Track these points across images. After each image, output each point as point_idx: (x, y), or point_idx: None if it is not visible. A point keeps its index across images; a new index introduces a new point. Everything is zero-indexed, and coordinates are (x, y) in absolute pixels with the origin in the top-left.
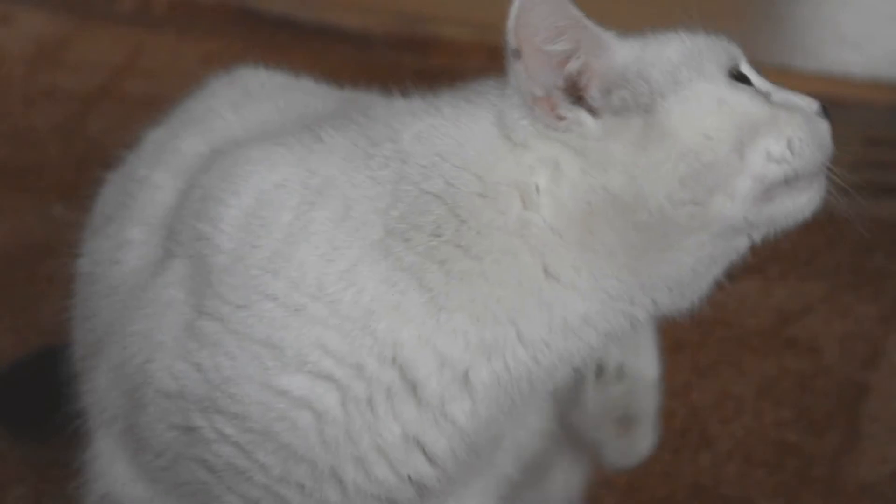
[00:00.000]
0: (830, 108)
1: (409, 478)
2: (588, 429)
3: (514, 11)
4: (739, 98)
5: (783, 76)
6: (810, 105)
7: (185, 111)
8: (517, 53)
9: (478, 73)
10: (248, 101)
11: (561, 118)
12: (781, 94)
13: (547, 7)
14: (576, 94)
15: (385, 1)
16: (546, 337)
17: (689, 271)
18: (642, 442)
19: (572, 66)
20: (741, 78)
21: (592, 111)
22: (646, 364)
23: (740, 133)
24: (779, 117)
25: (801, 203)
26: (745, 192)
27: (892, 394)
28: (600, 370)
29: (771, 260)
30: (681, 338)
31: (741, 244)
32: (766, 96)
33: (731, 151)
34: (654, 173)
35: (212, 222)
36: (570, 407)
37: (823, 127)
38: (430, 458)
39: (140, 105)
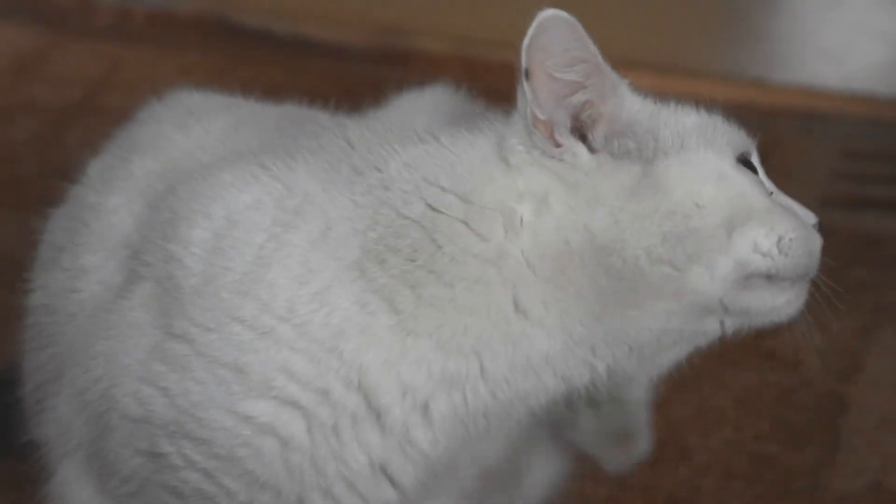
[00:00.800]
0: (808, 121)
1: None
2: (585, 446)
3: (531, 31)
4: (741, 180)
5: (761, 88)
6: (807, 216)
7: (127, 138)
8: (527, 73)
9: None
10: (193, 120)
11: (557, 144)
12: (783, 198)
13: (565, 34)
14: (577, 126)
15: (363, 14)
16: (507, 374)
17: (653, 339)
18: (639, 447)
19: (578, 97)
20: (748, 165)
21: (590, 148)
22: (636, 386)
23: (733, 212)
24: (775, 213)
25: (779, 303)
26: (724, 271)
27: (871, 406)
28: (592, 401)
29: None
30: None
31: (711, 329)
32: (768, 192)
33: (719, 226)
34: (639, 223)
35: (182, 244)
36: (564, 426)
37: (816, 239)
38: (397, 487)
39: (118, 118)
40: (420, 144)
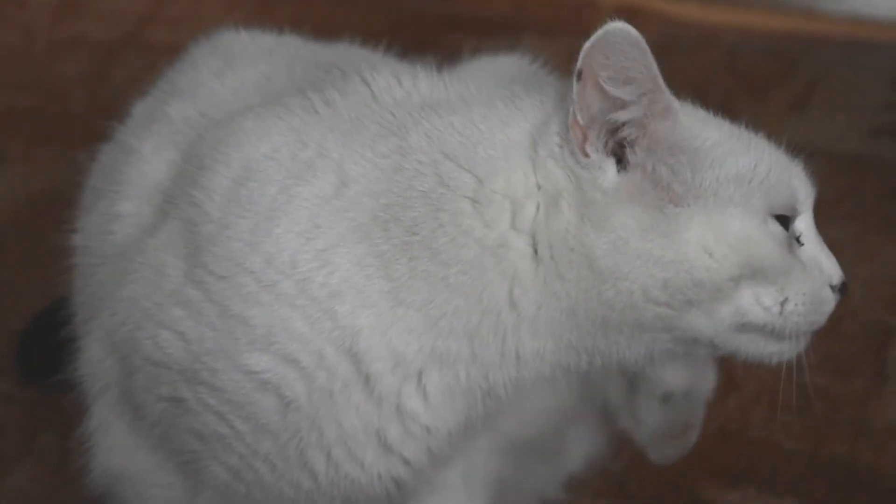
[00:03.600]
0: (857, 50)
1: (380, 476)
2: (640, 436)
3: (594, 37)
4: (764, 240)
5: (809, 17)
6: (832, 275)
7: (169, 82)
8: (579, 75)
9: (503, 20)
10: (231, 68)
11: (586, 154)
12: (815, 251)
13: (627, 51)
14: (615, 140)
15: None
16: (498, 361)
17: (642, 355)
18: (691, 438)
19: (623, 115)
20: (784, 220)
21: (622, 163)
22: (708, 378)
23: (744, 270)
24: (790, 274)
25: (769, 351)
26: (724, 317)
27: None
28: (667, 396)
29: None
30: None
31: (702, 353)
32: (795, 246)
33: (727, 280)
34: (641, 262)
35: (204, 190)
36: (618, 413)
37: (827, 305)
38: (397, 455)
39: (164, 54)
40: (446, 115)
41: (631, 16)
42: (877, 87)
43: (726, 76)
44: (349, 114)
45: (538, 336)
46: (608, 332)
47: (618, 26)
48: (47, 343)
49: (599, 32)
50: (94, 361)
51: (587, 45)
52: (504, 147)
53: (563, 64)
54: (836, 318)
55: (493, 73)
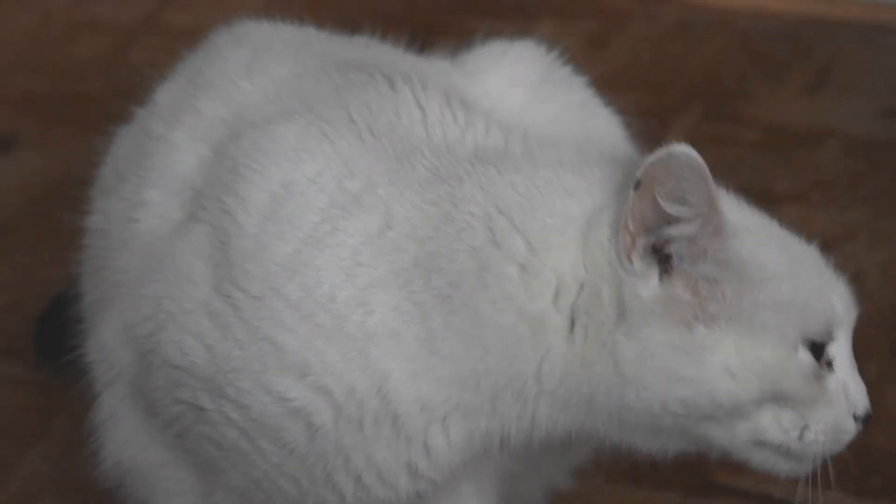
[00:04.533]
0: (872, 32)
1: (408, 494)
2: None
3: (658, 154)
4: (790, 371)
5: (825, 1)
6: (858, 405)
7: (196, 72)
8: (637, 184)
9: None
10: (259, 65)
11: (630, 261)
12: (846, 377)
13: (689, 174)
14: (661, 250)
15: None
16: (517, 424)
17: (653, 451)
18: None
19: (672, 231)
20: (817, 348)
21: (664, 272)
22: None
23: (766, 395)
24: (814, 404)
25: (780, 467)
26: (741, 432)
27: None
28: None
29: (813, 186)
30: None
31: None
32: (824, 370)
33: (749, 403)
34: (664, 377)
35: (239, 199)
36: None
37: (847, 435)
38: (427, 479)
39: (182, 37)
40: (507, 173)
41: (647, 0)
42: (892, 70)
43: (741, 59)
44: (396, 149)
45: (555, 408)
46: (623, 427)
47: (683, 150)
48: (64, 327)
49: (664, 151)
50: (107, 349)
51: (651, 158)
52: (562, 218)
53: (581, 49)
54: None
55: (509, 63)
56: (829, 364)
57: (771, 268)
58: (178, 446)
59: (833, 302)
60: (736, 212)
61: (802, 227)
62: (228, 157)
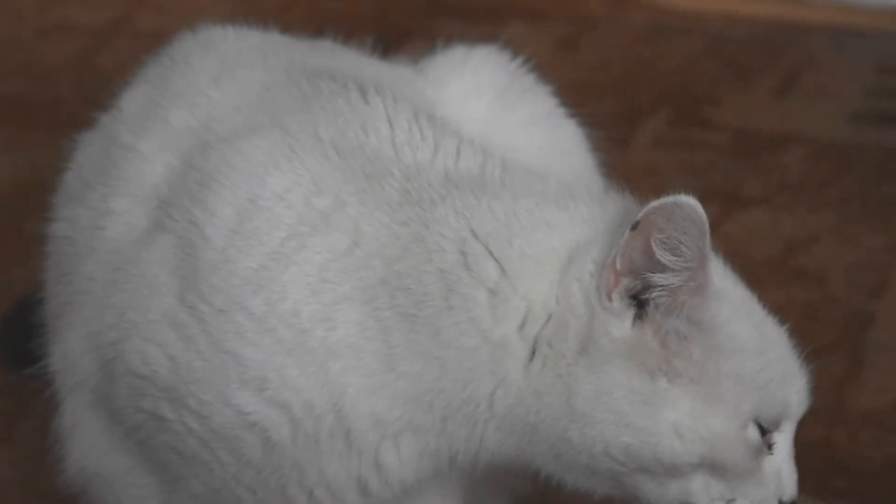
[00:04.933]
0: (842, 36)
1: None
2: None
3: (663, 202)
4: (735, 445)
5: (796, 4)
6: (787, 491)
7: (162, 79)
8: (634, 226)
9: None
10: (227, 73)
11: (610, 299)
12: (782, 463)
13: (688, 226)
14: (641, 294)
15: None
16: (464, 441)
17: (584, 488)
18: None
19: (658, 279)
20: (763, 428)
21: (638, 317)
22: None
23: (705, 462)
24: (746, 481)
25: None
26: (671, 491)
27: None
28: None
29: (779, 190)
30: None
31: None
32: (764, 452)
33: (688, 465)
34: (615, 419)
35: (206, 212)
36: None
37: None
38: (376, 497)
39: (152, 40)
40: (486, 199)
41: (618, 4)
42: (861, 74)
43: (711, 63)
44: (365, 169)
45: (501, 432)
46: (558, 461)
47: (689, 201)
48: (29, 331)
49: (669, 199)
50: (71, 356)
51: (655, 203)
52: (541, 249)
53: (551, 53)
54: (815, 305)
55: (471, 68)
56: (770, 447)
57: (741, 341)
58: (141, 453)
59: (791, 394)
60: (722, 277)
61: (768, 231)
62: (196, 169)
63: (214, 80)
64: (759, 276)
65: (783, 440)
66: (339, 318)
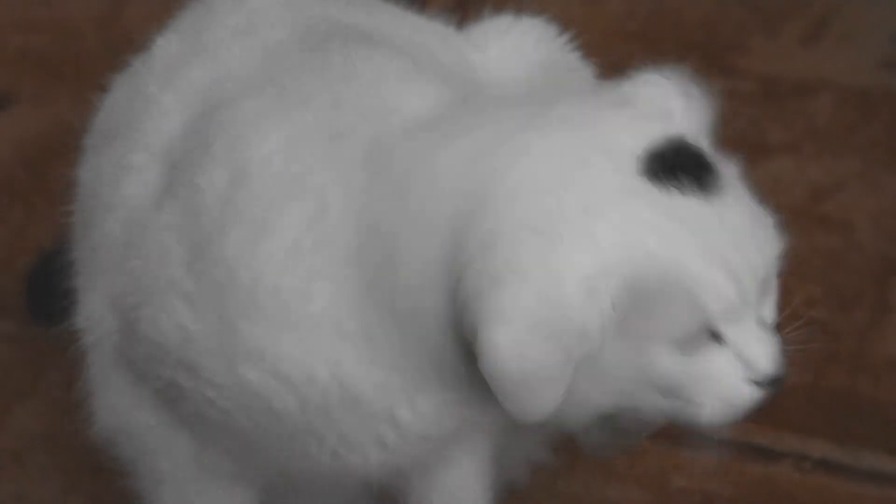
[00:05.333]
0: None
1: (383, 465)
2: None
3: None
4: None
5: None
6: (758, 371)
7: (191, 31)
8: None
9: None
10: (252, 29)
11: None
12: (741, 347)
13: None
14: None
15: None
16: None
17: None
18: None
19: None
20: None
21: None
22: None
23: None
24: (696, 386)
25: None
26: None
27: None
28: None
29: (805, 137)
30: None
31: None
32: (704, 351)
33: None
34: None
35: (207, 178)
36: None
37: (734, 409)
38: (399, 452)
39: None
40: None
41: None
42: (889, 20)
43: (738, 9)
44: (339, 129)
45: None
46: None
47: None
48: (54, 284)
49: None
50: (95, 317)
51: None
52: None
53: (578, 2)
54: (840, 252)
55: (513, 43)
56: (717, 339)
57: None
58: (168, 412)
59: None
60: None
61: (794, 178)
62: (200, 131)
63: (238, 36)
64: (784, 223)
65: (743, 327)
66: (315, 292)
